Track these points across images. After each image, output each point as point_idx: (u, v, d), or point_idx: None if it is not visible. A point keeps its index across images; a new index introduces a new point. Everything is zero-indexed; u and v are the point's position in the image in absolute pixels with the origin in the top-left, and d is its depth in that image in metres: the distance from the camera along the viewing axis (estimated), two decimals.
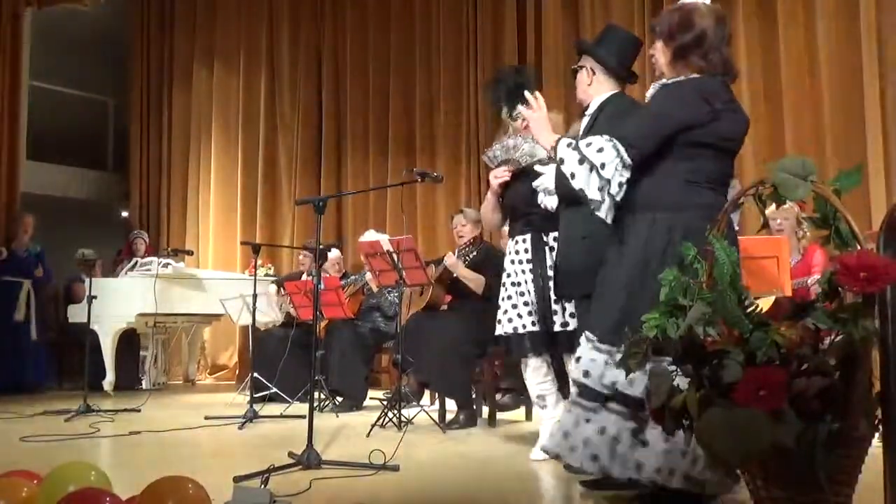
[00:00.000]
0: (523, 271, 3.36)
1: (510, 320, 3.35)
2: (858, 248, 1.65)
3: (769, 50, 5.82)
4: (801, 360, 1.61)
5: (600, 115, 2.97)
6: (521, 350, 3.36)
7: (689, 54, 2.38)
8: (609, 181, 2.32)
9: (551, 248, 3.31)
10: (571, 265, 2.94)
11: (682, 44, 2.37)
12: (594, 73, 3.02)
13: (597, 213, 2.41)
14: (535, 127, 2.68)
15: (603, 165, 2.32)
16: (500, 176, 3.41)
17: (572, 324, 3.21)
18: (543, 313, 3.28)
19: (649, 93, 2.49)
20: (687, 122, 2.31)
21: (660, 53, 2.45)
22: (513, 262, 3.42)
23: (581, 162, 2.36)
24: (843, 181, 1.75)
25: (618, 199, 2.35)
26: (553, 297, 3.26)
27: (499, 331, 3.42)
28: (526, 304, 3.32)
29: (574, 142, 2.44)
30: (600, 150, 2.33)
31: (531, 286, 3.32)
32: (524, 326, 3.31)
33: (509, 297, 3.39)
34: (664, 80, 2.43)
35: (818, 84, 5.54)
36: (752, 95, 5.84)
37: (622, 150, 2.32)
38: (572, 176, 2.38)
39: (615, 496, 2.63)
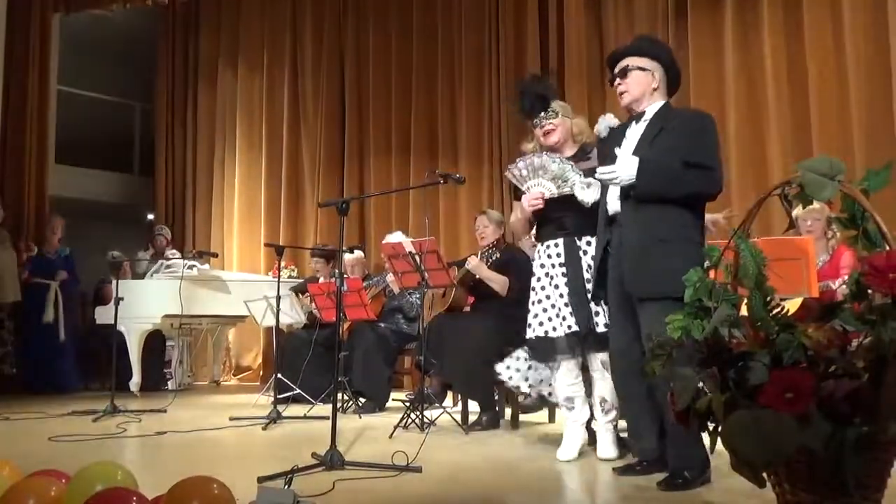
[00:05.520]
0: (556, 275, 3.36)
1: (541, 324, 3.37)
2: (887, 248, 1.63)
3: (795, 48, 5.76)
4: (828, 362, 1.59)
5: (667, 124, 2.91)
6: (557, 352, 3.37)
7: None
8: None
9: (584, 252, 3.32)
10: (646, 265, 2.83)
11: None
12: (659, 81, 3.02)
13: None
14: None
15: None
16: (534, 204, 3.35)
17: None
18: (581, 315, 3.28)
19: None
20: None
21: None
22: (543, 265, 3.42)
23: None
24: (872, 180, 1.73)
25: None
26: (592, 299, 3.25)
27: (530, 335, 3.42)
28: (566, 305, 3.32)
29: None
30: None
31: (566, 289, 3.32)
32: (568, 327, 3.30)
33: (539, 301, 3.40)
34: None
35: (845, 81, 5.48)
36: (778, 93, 5.79)
37: None
38: None
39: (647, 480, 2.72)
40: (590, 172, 3.25)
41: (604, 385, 3.36)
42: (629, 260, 2.90)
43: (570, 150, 3.48)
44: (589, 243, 3.31)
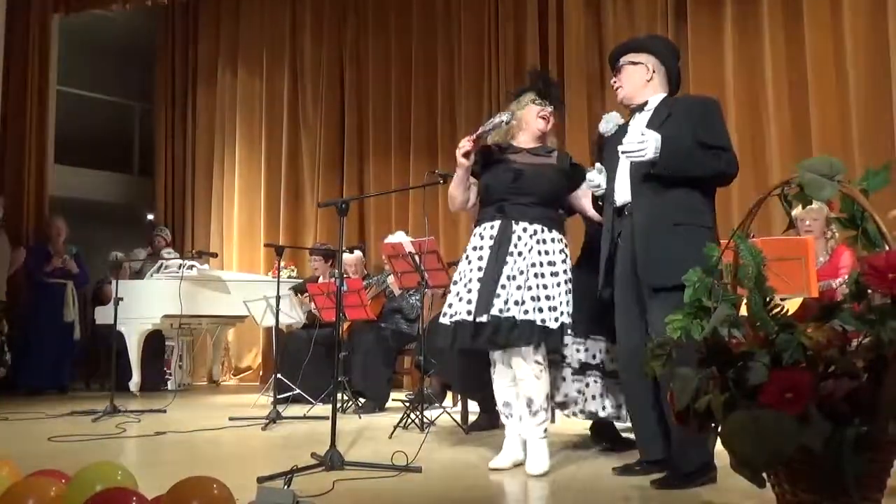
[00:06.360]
0: (480, 258, 3.16)
1: (450, 306, 3.15)
2: (886, 248, 1.63)
3: (795, 48, 5.77)
4: (828, 362, 1.59)
5: (674, 109, 2.90)
6: (462, 340, 3.10)
7: None
8: None
9: (519, 238, 3.14)
10: (659, 251, 2.76)
11: None
12: (654, 72, 3.01)
13: None
14: None
15: None
16: (462, 146, 3.15)
17: (514, 311, 3.00)
18: (483, 300, 3.04)
19: None
20: None
21: None
22: (475, 248, 3.20)
23: None
24: (871, 181, 1.73)
25: None
26: (505, 283, 3.04)
27: (444, 320, 3.17)
28: (471, 291, 3.09)
29: None
30: None
31: (480, 274, 3.11)
32: (468, 313, 3.07)
33: (455, 284, 3.19)
34: None
35: (845, 82, 5.48)
36: (778, 93, 5.80)
37: None
38: None
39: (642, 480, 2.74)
40: (547, 168, 3.22)
41: (533, 385, 3.08)
42: (641, 246, 2.84)
43: (533, 143, 3.33)
44: (525, 230, 3.14)
